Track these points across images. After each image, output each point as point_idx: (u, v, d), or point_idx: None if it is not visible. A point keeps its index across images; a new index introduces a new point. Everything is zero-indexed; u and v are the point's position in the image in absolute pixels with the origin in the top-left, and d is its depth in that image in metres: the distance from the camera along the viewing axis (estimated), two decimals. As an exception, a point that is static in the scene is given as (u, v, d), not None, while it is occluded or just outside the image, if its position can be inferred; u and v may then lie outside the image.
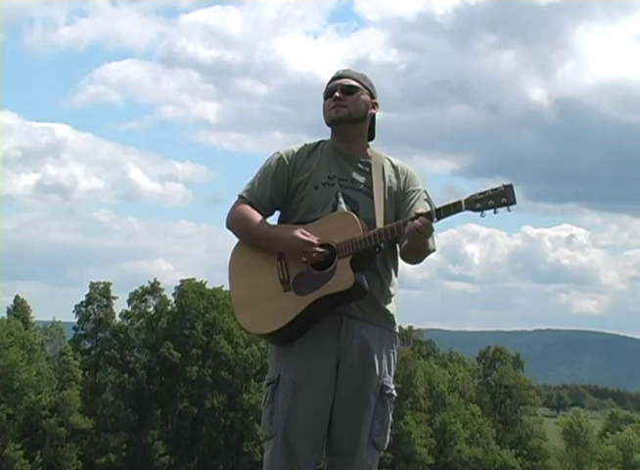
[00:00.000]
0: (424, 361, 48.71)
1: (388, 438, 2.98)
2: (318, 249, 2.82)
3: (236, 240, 3.04)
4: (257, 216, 2.96)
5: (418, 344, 51.94)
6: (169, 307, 44.21)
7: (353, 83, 3.00)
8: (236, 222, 2.99)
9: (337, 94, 2.98)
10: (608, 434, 53.74)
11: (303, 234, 2.85)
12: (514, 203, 2.64)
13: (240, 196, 3.02)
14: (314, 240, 2.84)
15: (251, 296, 2.92)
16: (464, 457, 45.58)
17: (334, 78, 3.04)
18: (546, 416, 61.65)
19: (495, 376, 52.49)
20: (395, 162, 3.08)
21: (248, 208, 2.98)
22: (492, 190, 2.66)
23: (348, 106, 2.97)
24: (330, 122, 3.02)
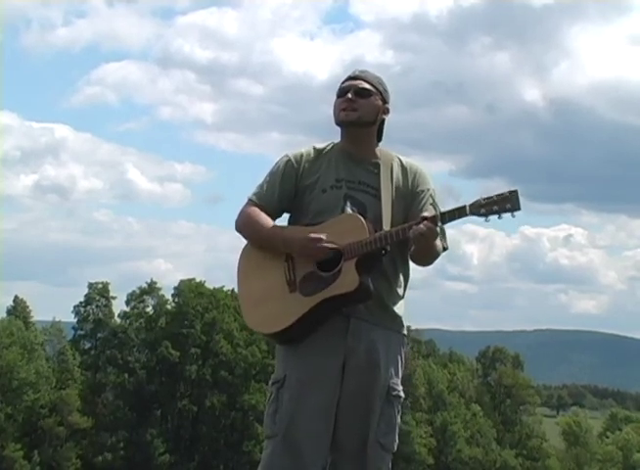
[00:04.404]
0: (423, 361, 48.66)
1: (396, 439, 2.98)
2: (327, 244, 2.82)
3: (242, 242, 3.05)
4: (266, 219, 2.97)
5: (417, 344, 51.84)
6: (168, 307, 44.25)
7: (367, 86, 2.98)
8: (245, 225, 3.01)
9: (349, 95, 2.96)
10: (608, 434, 53.86)
11: (312, 232, 2.86)
12: (518, 209, 2.64)
13: (249, 199, 3.03)
14: (322, 235, 2.84)
15: (258, 296, 2.93)
16: (464, 457, 45.55)
17: (349, 78, 3.01)
18: (546, 416, 61.77)
19: (495, 376, 52.52)
20: (405, 161, 3.07)
21: (256, 210, 2.99)
22: (497, 195, 2.66)
23: (359, 109, 2.95)
24: (338, 123, 3.01)
